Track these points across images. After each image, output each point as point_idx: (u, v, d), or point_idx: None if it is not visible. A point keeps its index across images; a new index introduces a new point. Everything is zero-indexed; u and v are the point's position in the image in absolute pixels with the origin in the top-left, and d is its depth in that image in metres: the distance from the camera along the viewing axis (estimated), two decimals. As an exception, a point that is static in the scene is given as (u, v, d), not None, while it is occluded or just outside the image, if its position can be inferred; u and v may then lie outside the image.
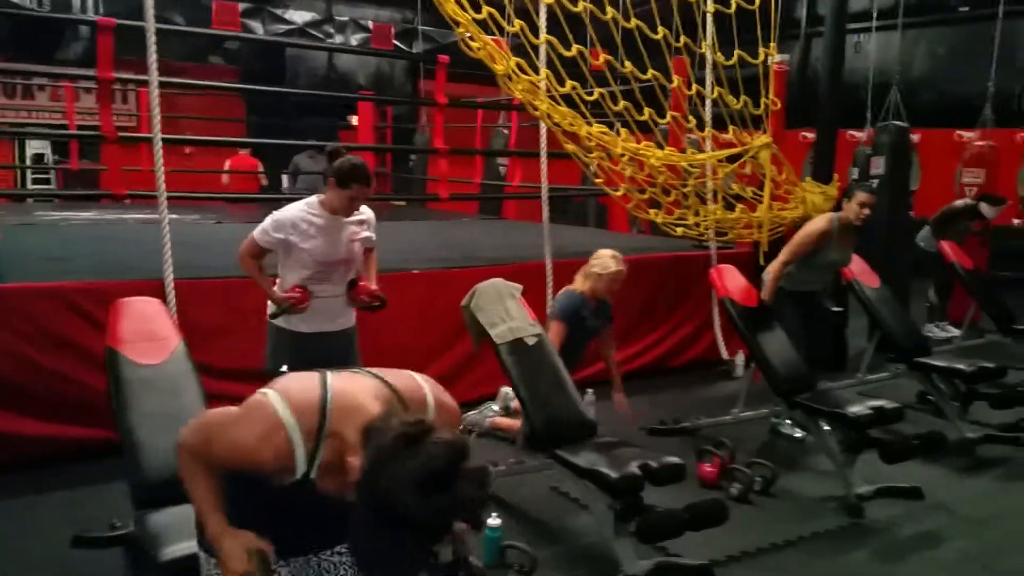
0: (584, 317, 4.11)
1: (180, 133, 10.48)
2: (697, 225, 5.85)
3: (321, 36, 12.93)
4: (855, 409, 3.92)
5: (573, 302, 4.11)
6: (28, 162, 10.87)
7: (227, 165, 9.86)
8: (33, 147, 11.04)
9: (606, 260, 4.10)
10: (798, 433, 4.64)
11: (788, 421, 4.69)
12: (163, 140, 4.56)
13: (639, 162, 5.40)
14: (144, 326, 2.88)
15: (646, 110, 5.35)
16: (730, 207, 5.99)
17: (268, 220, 3.39)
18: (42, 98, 11.63)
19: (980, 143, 8.18)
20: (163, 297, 3.99)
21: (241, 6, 11.56)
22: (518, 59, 4.69)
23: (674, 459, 3.14)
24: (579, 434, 3.36)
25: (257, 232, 3.40)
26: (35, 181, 11.20)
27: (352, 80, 13.66)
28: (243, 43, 13.22)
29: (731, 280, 4.62)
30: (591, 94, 5.02)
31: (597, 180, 5.28)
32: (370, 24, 12.99)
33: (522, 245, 6.28)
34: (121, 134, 5.05)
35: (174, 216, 7.59)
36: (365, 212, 3.56)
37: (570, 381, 3.55)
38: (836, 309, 5.76)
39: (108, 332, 2.85)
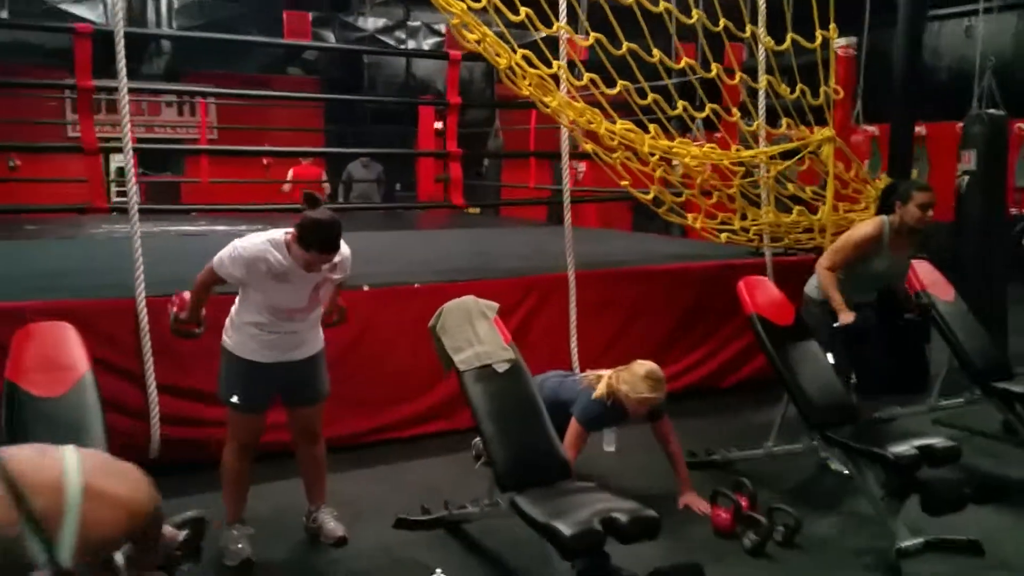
0: (605, 422, 3.75)
1: (261, 144, 10.73)
2: (745, 230, 5.26)
3: (393, 42, 12.82)
4: (898, 449, 3.30)
5: (596, 411, 3.58)
6: (111, 176, 11.15)
7: (290, 175, 9.82)
8: (116, 161, 11.34)
9: (637, 381, 3.50)
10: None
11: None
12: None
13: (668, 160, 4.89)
14: (48, 354, 2.63)
15: (679, 103, 4.83)
16: (786, 209, 5.37)
17: (228, 249, 3.03)
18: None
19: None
20: (134, 316, 3.80)
21: (312, 15, 11.55)
22: (525, 51, 4.28)
23: (648, 512, 2.65)
24: (549, 476, 2.93)
25: (216, 262, 3.06)
26: (118, 194, 11.51)
27: (431, 86, 13.50)
28: (320, 53, 13.28)
29: (762, 294, 4.05)
30: (614, 88, 4.56)
31: (623, 183, 4.80)
32: (443, 28, 12.78)
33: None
34: (102, 145, 4.86)
35: (220, 227, 7.70)
36: (341, 252, 3.09)
37: (545, 416, 3.10)
38: (908, 316, 5.05)
39: (9, 362, 2.62)
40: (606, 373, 3.64)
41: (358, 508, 3.61)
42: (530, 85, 4.32)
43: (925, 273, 4.73)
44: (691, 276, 5.34)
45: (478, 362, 3.09)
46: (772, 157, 5.15)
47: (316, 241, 2.87)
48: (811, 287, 4.26)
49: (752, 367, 5.66)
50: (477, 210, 11.50)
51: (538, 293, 4.91)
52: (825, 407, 3.69)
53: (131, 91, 4.07)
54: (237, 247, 3.00)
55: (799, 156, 5.23)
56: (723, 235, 5.17)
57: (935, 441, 3.38)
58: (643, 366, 3.54)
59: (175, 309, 3.19)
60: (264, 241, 2.99)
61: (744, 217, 5.23)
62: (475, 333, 3.16)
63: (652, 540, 2.65)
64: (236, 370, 3.12)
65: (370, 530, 3.42)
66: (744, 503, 3.50)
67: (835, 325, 4.00)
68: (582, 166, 10.15)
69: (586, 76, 4.50)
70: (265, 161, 11.87)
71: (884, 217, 4.09)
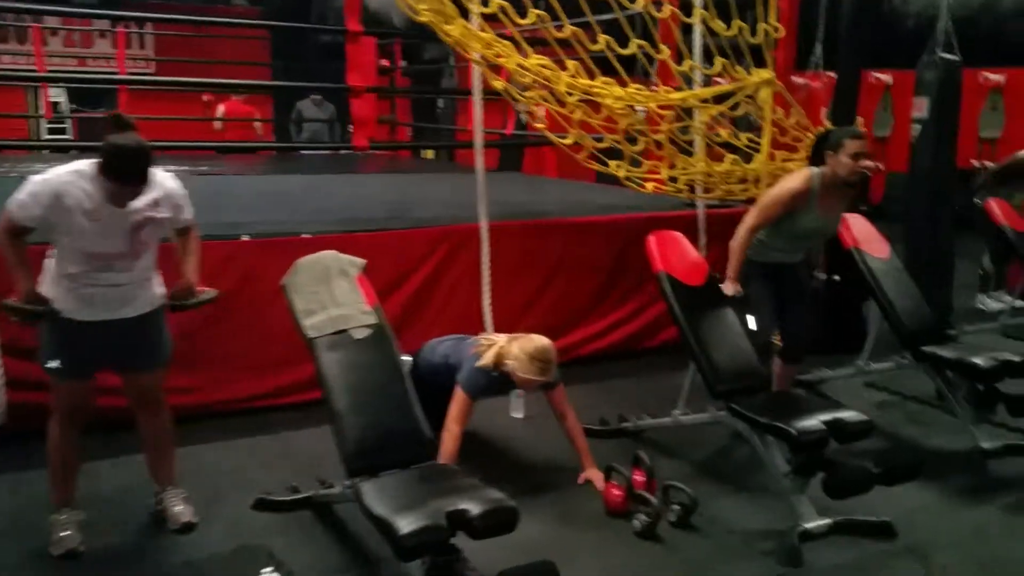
0: (490, 391, 3.38)
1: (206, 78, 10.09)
2: (674, 180, 4.89)
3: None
4: (804, 424, 3.00)
5: (481, 380, 3.27)
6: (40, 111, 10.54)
7: (219, 111, 9.26)
8: (48, 96, 10.69)
9: (525, 361, 3.21)
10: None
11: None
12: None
13: (594, 103, 4.47)
14: None
15: (601, 38, 4.40)
16: (721, 157, 4.98)
17: (26, 188, 2.60)
18: (55, 44, 11.28)
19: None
20: None
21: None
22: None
23: (504, 504, 2.33)
24: (405, 458, 2.60)
25: (14, 205, 2.61)
26: (51, 131, 10.90)
27: (386, 21, 12.83)
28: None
29: (674, 251, 3.70)
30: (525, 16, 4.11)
31: (538, 125, 4.39)
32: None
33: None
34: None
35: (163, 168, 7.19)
36: (162, 186, 2.74)
37: (411, 388, 2.76)
38: (830, 278, 4.73)
39: None
40: (500, 339, 3.30)
41: (220, 486, 3.27)
42: (428, 10, 3.87)
43: (859, 228, 4.40)
44: (618, 229, 4.98)
45: (332, 327, 2.73)
46: (704, 101, 4.75)
47: (115, 169, 2.50)
48: None
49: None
50: (431, 154, 11.02)
51: (448, 246, 4.53)
52: (732, 375, 3.38)
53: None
54: (35, 181, 2.58)
55: (733, 100, 4.83)
56: (649, 185, 4.80)
57: (846, 415, 3.09)
58: (533, 343, 3.21)
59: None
60: (69, 172, 2.58)
61: (674, 166, 4.85)
62: (331, 294, 2.79)
63: (508, 534, 2.33)
64: (54, 331, 2.73)
65: (227, 512, 3.09)
66: (640, 479, 3.20)
67: (725, 289, 3.68)
68: (541, 110, 9.60)
69: (494, 3, 4.04)
70: (205, 97, 11.26)
71: (813, 169, 3.73)
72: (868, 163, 3.61)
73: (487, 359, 3.22)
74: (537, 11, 4.17)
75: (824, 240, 4.08)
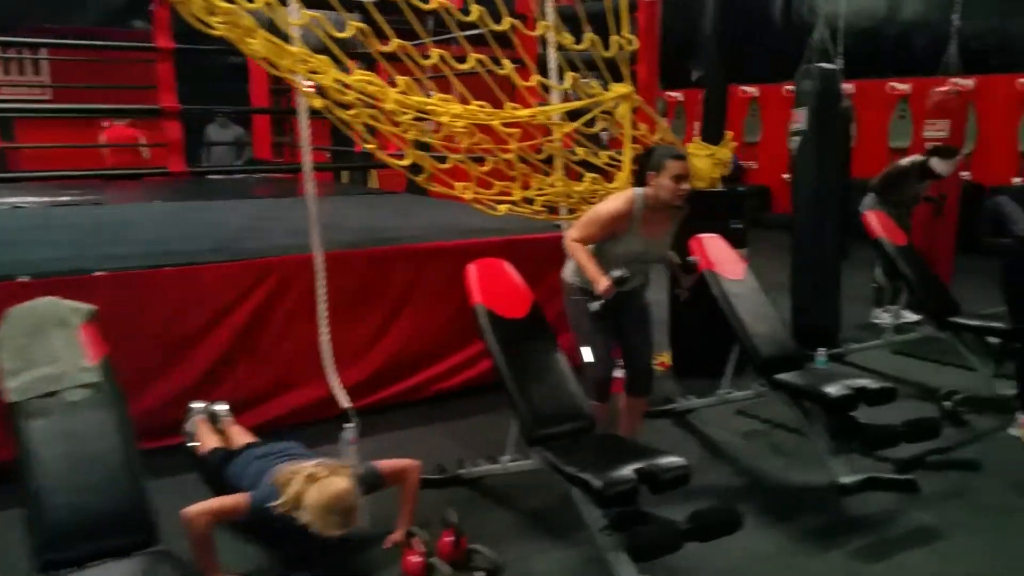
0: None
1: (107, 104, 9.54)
2: (530, 201, 4.54)
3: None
4: (614, 474, 2.64)
5: (267, 512, 2.67)
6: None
7: (102, 139, 8.73)
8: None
9: (322, 512, 2.58)
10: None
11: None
12: None
13: (435, 121, 4.11)
14: None
15: (434, 52, 4.05)
16: (581, 176, 4.66)
17: None
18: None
19: (943, 90, 6.63)
20: None
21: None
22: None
23: None
24: (121, 545, 2.17)
25: None
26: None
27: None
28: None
29: (496, 281, 3.34)
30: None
31: (368, 146, 4.01)
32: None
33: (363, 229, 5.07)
34: None
35: (50, 199, 6.70)
36: None
37: (135, 458, 2.34)
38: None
39: None
40: (305, 472, 2.68)
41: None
42: (223, 23, 3.48)
43: (713, 249, 4.09)
44: (473, 255, 4.59)
45: (40, 389, 2.30)
46: (552, 118, 4.42)
47: None
48: (569, 271, 3.56)
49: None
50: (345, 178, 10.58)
51: (277, 278, 4.12)
52: (550, 418, 3.02)
53: None
54: None
55: (589, 116, 4.52)
56: (502, 207, 4.44)
57: (664, 461, 2.73)
58: (330, 490, 2.60)
59: None
60: None
61: (528, 187, 4.51)
62: (45, 348, 2.36)
63: None
64: None
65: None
66: (448, 541, 2.81)
67: (591, 305, 3.30)
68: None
69: (305, 14, 3.67)
70: (105, 123, 10.70)
71: (636, 190, 3.40)
72: (687, 186, 3.28)
73: (284, 500, 2.64)
74: (356, 24, 3.82)
75: (650, 265, 3.75)
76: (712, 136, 5.03)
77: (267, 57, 3.65)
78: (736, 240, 5.02)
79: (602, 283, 3.19)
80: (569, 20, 4.78)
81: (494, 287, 3.31)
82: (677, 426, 4.35)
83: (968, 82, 9.94)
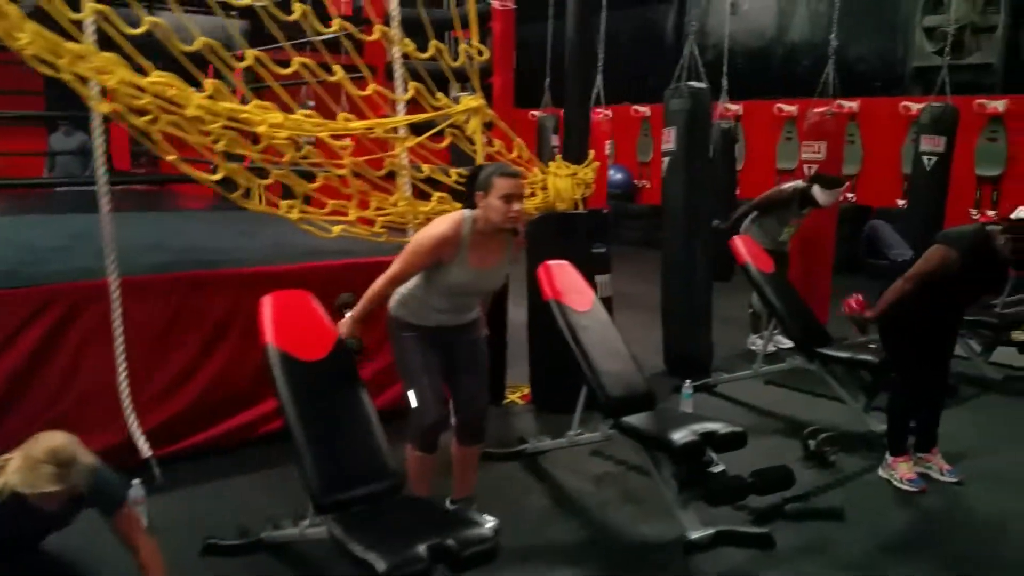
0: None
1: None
2: (370, 222, 4.10)
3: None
4: (404, 553, 2.21)
5: None
6: None
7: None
8: None
9: (33, 472, 2.23)
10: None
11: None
12: None
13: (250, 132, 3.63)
14: None
15: (249, 53, 3.58)
16: (425, 195, 4.24)
17: None
18: None
19: (819, 111, 6.49)
20: None
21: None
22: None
23: None
24: None
25: None
26: None
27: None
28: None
29: (296, 316, 2.88)
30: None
31: (168, 157, 3.50)
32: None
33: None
34: None
35: None
36: None
37: None
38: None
39: None
40: (14, 456, 2.33)
41: None
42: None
43: (561, 277, 3.72)
44: (300, 282, 4.11)
45: None
46: (395, 130, 3.99)
47: None
48: (394, 303, 3.13)
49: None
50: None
51: (62, 308, 3.54)
52: (343, 481, 2.56)
53: None
54: None
55: (435, 130, 4.12)
56: (336, 228, 3.98)
57: (468, 534, 2.30)
58: (42, 443, 2.26)
59: None
60: None
61: (367, 206, 4.06)
62: None
63: None
64: None
65: None
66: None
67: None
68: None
69: (90, 7, 3.15)
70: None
71: (466, 212, 2.99)
72: (519, 207, 2.90)
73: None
74: (153, 19, 3.32)
75: (487, 296, 3.37)
76: (573, 155, 4.69)
77: (39, 54, 3.11)
78: (598, 265, 4.71)
79: (344, 328, 2.96)
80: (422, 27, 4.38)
81: (291, 324, 2.83)
82: (527, 470, 3.95)
83: (852, 104, 10.04)
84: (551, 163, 4.65)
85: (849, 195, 10.17)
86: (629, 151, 12.73)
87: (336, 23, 3.78)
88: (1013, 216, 7.59)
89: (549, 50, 10.03)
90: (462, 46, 4.09)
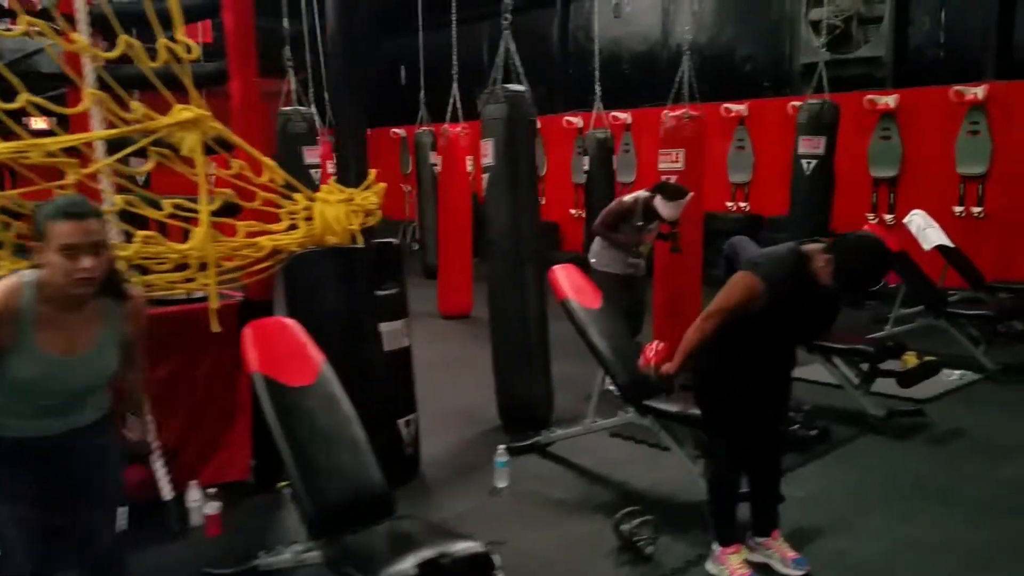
0: None
1: None
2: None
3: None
4: None
5: None
6: None
7: None
8: None
9: None
10: None
11: None
12: None
13: None
14: None
15: None
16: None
17: None
18: None
19: (677, 115, 5.70)
20: None
21: None
22: None
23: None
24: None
25: None
26: None
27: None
28: None
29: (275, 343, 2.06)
30: None
31: None
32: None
33: None
34: None
35: None
36: None
37: None
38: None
39: None
40: None
41: None
42: None
43: (274, 340, 2.77)
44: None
45: None
46: (68, 151, 3.02)
47: None
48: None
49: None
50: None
51: None
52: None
53: None
54: None
55: (132, 149, 3.15)
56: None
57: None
58: None
59: None
60: None
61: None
62: None
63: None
64: None
65: None
66: None
67: None
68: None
69: None
70: None
71: (26, 274, 2.03)
72: (89, 263, 1.94)
73: None
74: None
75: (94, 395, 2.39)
76: (349, 177, 3.76)
77: None
78: (386, 311, 3.79)
79: None
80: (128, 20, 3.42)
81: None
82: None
83: (741, 107, 9.32)
84: (323, 187, 3.73)
85: (742, 203, 9.46)
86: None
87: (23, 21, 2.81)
88: (906, 221, 6.93)
89: (422, 63, 9.26)
90: (162, 42, 3.13)
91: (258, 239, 3.50)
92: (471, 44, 10.01)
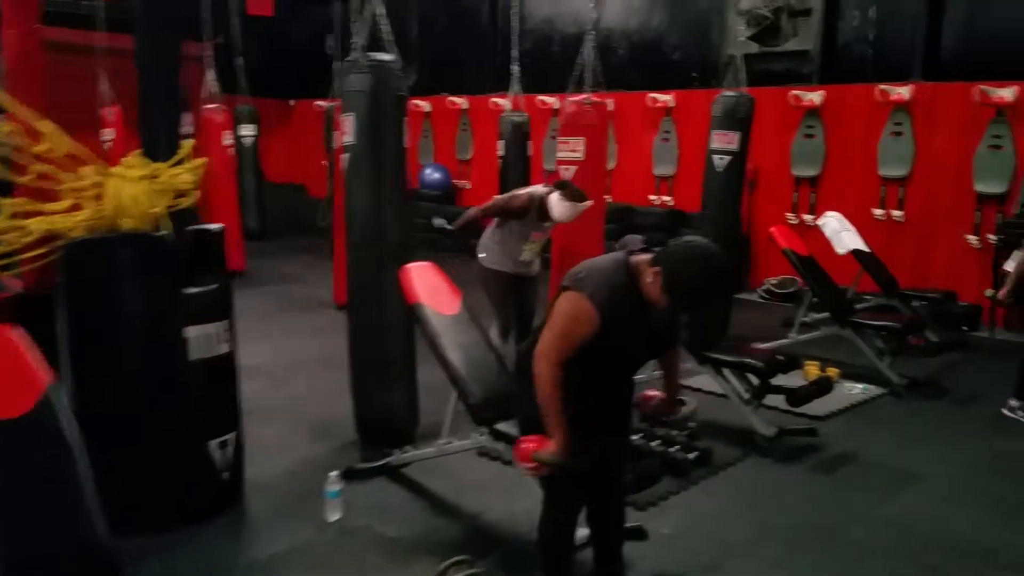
0: None
1: None
2: None
3: None
4: None
5: None
6: None
7: None
8: None
9: None
10: None
11: None
12: None
13: None
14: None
15: None
16: None
17: None
18: None
19: (577, 100, 5.19)
20: None
21: None
22: None
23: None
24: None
25: None
26: None
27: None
28: None
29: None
30: None
31: None
32: None
33: None
34: None
35: None
36: None
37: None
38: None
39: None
40: None
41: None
42: None
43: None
44: None
45: None
46: None
47: None
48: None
49: None
50: None
51: None
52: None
53: None
54: None
55: None
56: None
57: None
58: None
59: None
60: None
61: None
62: None
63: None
64: None
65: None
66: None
67: None
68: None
69: None
70: None
71: None
72: None
73: None
74: None
75: None
76: (157, 150, 3.17)
77: None
78: (199, 311, 3.21)
79: None
80: None
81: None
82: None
83: (667, 97, 8.86)
84: (122, 160, 3.13)
85: (666, 198, 9.03)
86: (447, 148, 11.30)
87: None
88: (820, 223, 6.54)
89: (338, 33, 8.60)
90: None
91: (28, 221, 2.90)
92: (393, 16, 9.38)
